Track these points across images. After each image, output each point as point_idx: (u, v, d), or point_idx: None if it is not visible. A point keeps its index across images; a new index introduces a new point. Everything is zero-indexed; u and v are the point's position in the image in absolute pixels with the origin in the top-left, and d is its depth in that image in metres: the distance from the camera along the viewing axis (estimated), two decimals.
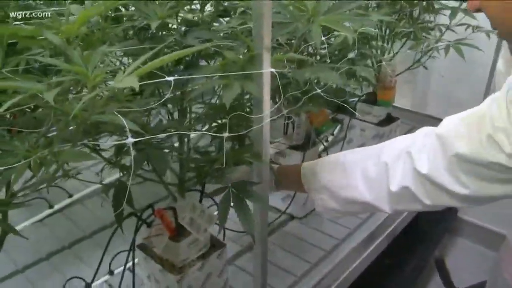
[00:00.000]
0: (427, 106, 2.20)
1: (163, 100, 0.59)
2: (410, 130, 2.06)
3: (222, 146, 0.85)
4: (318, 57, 1.19)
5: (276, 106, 0.74)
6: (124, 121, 0.49)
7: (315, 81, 0.92)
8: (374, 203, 1.00)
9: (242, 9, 1.00)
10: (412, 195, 0.94)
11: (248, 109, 0.84)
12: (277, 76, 0.69)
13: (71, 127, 0.55)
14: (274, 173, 1.10)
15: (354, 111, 1.71)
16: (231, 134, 0.66)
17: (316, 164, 1.09)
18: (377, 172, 0.99)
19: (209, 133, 0.67)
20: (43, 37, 0.55)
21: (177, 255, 0.99)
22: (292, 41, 1.02)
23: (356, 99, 1.75)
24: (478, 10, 0.75)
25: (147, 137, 0.55)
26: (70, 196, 1.47)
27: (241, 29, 0.90)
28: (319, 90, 0.89)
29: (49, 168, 0.50)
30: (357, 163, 1.03)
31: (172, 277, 0.97)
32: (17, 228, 1.31)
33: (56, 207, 1.43)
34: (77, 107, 0.39)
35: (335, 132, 1.95)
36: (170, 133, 0.60)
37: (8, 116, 0.64)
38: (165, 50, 0.79)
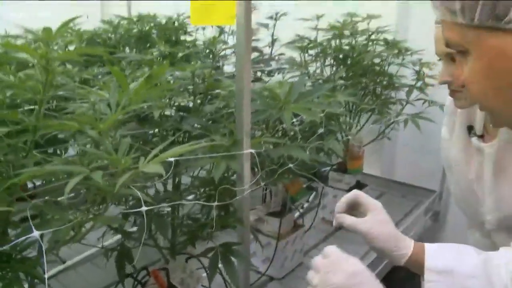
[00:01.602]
0: (395, 173, 2.41)
1: (167, 176, 0.76)
2: (380, 195, 2.27)
3: (210, 212, 1.01)
4: (292, 133, 1.39)
5: (255, 179, 0.92)
6: (139, 194, 0.67)
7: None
8: None
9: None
10: None
11: (231, 181, 1.01)
12: (256, 156, 0.88)
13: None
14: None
15: (325, 180, 1.91)
16: (220, 203, 0.83)
17: (441, 244, 1.00)
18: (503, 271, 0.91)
19: (202, 203, 0.85)
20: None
21: None
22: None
23: (328, 168, 1.94)
24: (462, 85, 0.83)
25: (157, 206, 0.72)
26: (64, 262, 1.59)
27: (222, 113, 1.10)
28: (291, 165, 1.08)
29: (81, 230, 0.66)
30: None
31: None
32: None
33: (50, 273, 1.55)
34: (117, 186, 0.57)
35: (310, 199, 2.13)
36: (175, 203, 0.77)
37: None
38: (164, 133, 0.98)
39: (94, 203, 0.65)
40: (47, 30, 0.80)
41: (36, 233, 0.57)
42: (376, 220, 1.01)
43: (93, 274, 1.57)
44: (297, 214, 1.72)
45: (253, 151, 0.89)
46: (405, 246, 0.98)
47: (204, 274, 1.28)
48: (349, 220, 1.02)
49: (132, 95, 0.73)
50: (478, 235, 1.39)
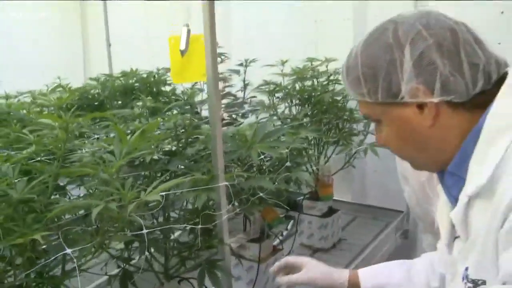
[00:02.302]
0: (365, 197, 2.67)
1: (161, 205, 1.00)
2: (353, 219, 2.52)
3: (197, 236, 1.25)
4: (264, 167, 1.64)
5: (230, 204, 1.16)
6: (141, 220, 0.90)
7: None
8: None
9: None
10: None
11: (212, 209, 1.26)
12: (229, 187, 1.12)
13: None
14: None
15: (300, 208, 2.16)
16: (203, 226, 1.07)
17: (373, 266, 1.30)
18: (423, 274, 1.21)
19: (190, 225, 1.09)
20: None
21: None
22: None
23: (302, 197, 2.19)
24: (383, 145, 1.05)
25: (155, 229, 0.96)
26: None
27: (202, 155, 1.35)
28: (262, 194, 1.33)
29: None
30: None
31: None
32: None
33: None
34: (128, 211, 0.80)
35: (289, 227, 2.37)
36: (168, 226, 1.01)
37: None
38: (154, 174, 1.22)
39: (106, 231, 0.89)
40: (59, 99, 1.05)
41: (68, 251, 0.81)
42: (310, 267, 1.30)
43: None
44: (277, 241, 1.96)
45: (227, 183, 1.14)
46: (341, 277, 1.27)
47: None
48: (286, 278, 1.32)
49: (131, 146, 0.97)
50: (430, 238, 1.65)
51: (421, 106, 0.88)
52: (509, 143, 0.79)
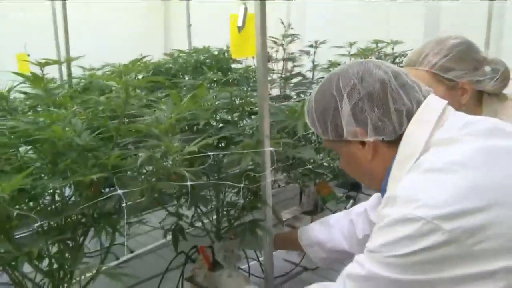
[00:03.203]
0: None
1: (206, 164, 1.13)
2: None
3: (245, 198, 1.37)
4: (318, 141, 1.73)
5: (273, 167, 1.27)
6: (184, 171, 1.03)
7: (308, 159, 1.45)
8: (350, 250, 1.51)
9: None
10: None
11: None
12: (274, 153, 1.23)
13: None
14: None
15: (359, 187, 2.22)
16: (246, 186, 1.19)
17: (309, 227, 1.62)
18: (348, 227, 1.52)
19: (234, 184, 1.21)
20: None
21: (213, 283, 1.48)
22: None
23: None
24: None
25: (199, 183, 1.08)
26: (132, 251, 1.99)
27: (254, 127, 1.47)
28: (310, 166, 1.43)
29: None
30: (336, 222, 1.57)
31: None
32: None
33: (122, 259, 1.94)
34: (170, 158, 0.93)
35: (348, 206, 2.43)
36: (214, 182, 1.14)
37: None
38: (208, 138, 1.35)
39: (157, 177, 1.03)
40: (126, 65, 1.20)
41: (119, 191, 0.95)
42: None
43: (157, 262, 1.95)
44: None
45: (272, 149, 1.24)
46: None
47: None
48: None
49: (182, 108, 1.11)
50: None
51: (363, 143, 1.09)
52: (411, 166, 1.00)
